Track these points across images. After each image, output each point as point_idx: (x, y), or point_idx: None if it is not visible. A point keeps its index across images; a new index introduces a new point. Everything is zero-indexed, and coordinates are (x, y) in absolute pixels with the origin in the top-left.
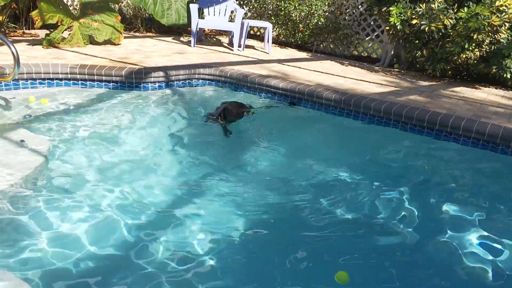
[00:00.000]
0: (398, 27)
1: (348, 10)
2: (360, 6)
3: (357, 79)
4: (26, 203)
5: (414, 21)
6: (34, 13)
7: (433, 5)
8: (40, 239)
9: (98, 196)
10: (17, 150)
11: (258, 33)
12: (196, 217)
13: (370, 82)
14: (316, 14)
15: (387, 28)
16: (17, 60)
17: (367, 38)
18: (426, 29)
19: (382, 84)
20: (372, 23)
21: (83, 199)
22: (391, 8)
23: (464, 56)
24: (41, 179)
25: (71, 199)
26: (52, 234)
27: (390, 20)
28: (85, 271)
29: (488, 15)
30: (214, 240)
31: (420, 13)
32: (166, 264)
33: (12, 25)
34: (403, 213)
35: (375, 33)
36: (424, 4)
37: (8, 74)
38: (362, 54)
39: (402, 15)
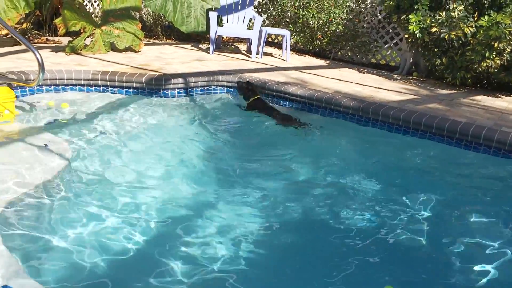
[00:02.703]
0: (417, 35)
1: (366, 18)
2: (378, 14)
3: (376, 87)
4: (49, 206)
5: (433, 29)
6: (57, 21)
7: (453, 13)
8: (62, 242)
9: (119, 200)
10: (40, 154)
11: (276, 41)
12: (214, 222)
13: (388, 90)
14: (334, 22)
15: (406, 36)
16: (41, 66)
17: (385, 46)
18: (446, 37)
19: (400, 92)
20: (390, 30)
21: (105, 202)
22: (410, 16)
23: (484, 64)
24: (64, 182)
25: (93, 203)
26: (74, 236)
27: (409, 28)
28: (105, 273)
29: (509, 24)
30: (232, 244)
31: (439, 21)
32: (184, 267)
33: (36, 32)
34: (422, 222)
35: (394, 41)
36: (443, 12)
37: (33, 80)
38: (381, 62)
39: (421, 23)
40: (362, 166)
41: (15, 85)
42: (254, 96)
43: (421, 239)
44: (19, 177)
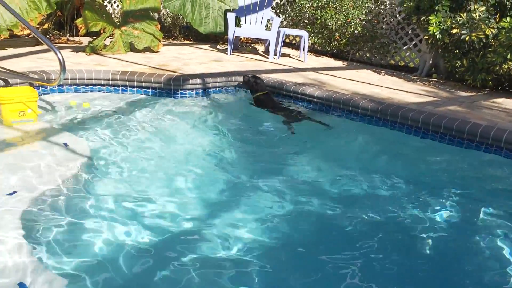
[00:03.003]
0: (438, 37)
1: (385, 19)
2: (398, 15)
3: (394, 89)
4: (69, 204)
5: (454, 31)
6: (78, 21)
7: (474, 15)
8: (81, 239)
9: (137, 198)
10: (61, 152)
11: (293, 42)
12: (228, 222)
13: (407, 91)
14: (352, 23)
15: (426, 37)
16: (63, 66)
17: (404, 47)
18: (467, 38)
19: (420, 94)
20: (410, 32)
21: (123, 201)
22: (430, 17)
23: (506, 66)
24: (83, 181)
25: (112, 202)
26: (92, 234)
27: (429, 29)
28: (124, 271)
29: None
30: (247, 243)
31: (460, 22)
32: (197, 266)
33: (57, 32)
34: (441, 226)
35: (413, 42)
36: (464, 14)
37: (54, 80)
38: (399, 63)
39: (441, 24)
40: (379, 168)
41: (37, 85)
42: (261, 91)
43: (439, 243)
44: (40, 175)
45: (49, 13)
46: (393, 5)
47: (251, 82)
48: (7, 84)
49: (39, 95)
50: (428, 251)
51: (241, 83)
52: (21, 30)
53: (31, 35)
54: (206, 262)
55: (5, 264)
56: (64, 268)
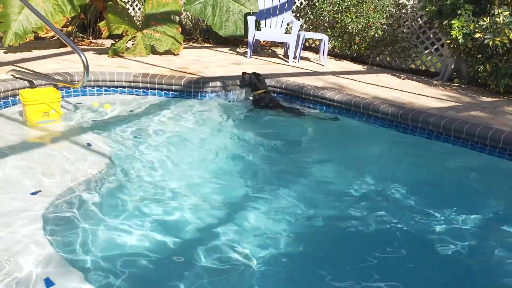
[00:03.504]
0: (460, 41)
1: (406, 23)
2: (419, 19)
3: (415, 93)
4: (91, 203)
5: (477, 35)
6: (101, 24)
7: (498, 19)
8: (101, 237)
9: (157, 198)
10: (84, 153)
11: (313, 45)
12: (245, 222)
13: (428, 96)
14: (373, 27)
15: (448, 41)
16: (86, 68)
17: (425, 52)
18: (490, 43)
19: (441, 99)
20: (431, 36)
21: (144, 201)
22: (452, 22)
23: None
24: (105, 181)
25: (132, 201)
26: (113, 233)
27: (451, 33)
28: (141, 269)
29: None
30: (263, 244)
31: (483, 27)
32: (214, 266)
33: (80, 34)
34: (461, 235)
35: (435, 47)
36: (488, 18)
37: (78, 81)
38: (420, 67)
39: (464, 28)
40: (398, 173)
41: (61, 86)
42: (262, 88)
43: (460, 252)
44: (63, 175)
45: (73, 16)
46: (414, 9)
47: (252, 79)
48: (31, 85)
49: (62, 97)
50: (447, 260)
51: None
52: (46, 33)
53: (55, 37)
54: (223, 267)
55: (30, 261)
56: (86, 264)
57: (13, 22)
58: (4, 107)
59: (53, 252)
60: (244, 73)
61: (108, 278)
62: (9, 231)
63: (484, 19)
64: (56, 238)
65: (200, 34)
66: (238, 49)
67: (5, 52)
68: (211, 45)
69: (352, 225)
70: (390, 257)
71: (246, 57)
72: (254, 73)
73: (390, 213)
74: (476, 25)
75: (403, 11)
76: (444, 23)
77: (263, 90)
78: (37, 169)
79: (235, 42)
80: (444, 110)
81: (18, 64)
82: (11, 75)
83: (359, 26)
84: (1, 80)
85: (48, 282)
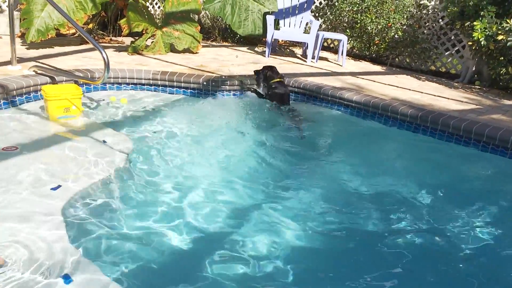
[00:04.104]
0: (482, 43)
1: (427, 24)
2: (440, 20)
3: (435, 95)
4: (110, 199)
5: (500, 37)
6: (122, 22)
7: None
8: (118, 234)
9: (174, 196)
10: (103, 148)
11: (331, 45)
12: (262, 223)
13: (448, 98)
14: (393, 27)
15: (470, 43)
16: (107, 65)
17: (446, 53)
18: None
19: (461, 101)
20: (452, 37)
21: (161, 198)
22: (475, 23)
23: None
24: (123, 176)
25: (149, 198)
26: (130, 229)
27: (473, 35)
28: (159, 265)
29: None
30: (277, 245)
31: (507, 28)
32: (230, 266)
33: (101, 32)
34: (480, 241)
35: (455, 48)
36: (511, 20)
37: (98, 78)
38: (440, 69)
39: (487, 30)
40: (416, 176)
41: (81, 82)
42: (277, 78)
43: (479, 258)
44: (83, 170)
45: (94, 14)
46: (436, 10)
47: (265, 71)
48: (53, 81)
49: (83, 93)
50: (465, 265)
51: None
52: (67, 30)
53: (76, 34)
54: (240, 266)
55: (49, 256)
56: (103, 260)
57: (36, 19)
58: (27, 102)
59: (72, 248)
60: (256, 71)
61: (125, 274)
62: (29, 226)
63: (508, 20)
64: (75, 233)
65: (219, 33)
66: (256, 48)
67: (27, 48)
68: (229, 44)
69: (370, 228)
70: (405, 260)
71: (264, 56)
72: (265, 66)
73: (405, 215)
74: (499, 27)
75: (424, 12)
76: (466, 24)
77: (279, 79)
78: (57, 164)
79: (253, 41)
80: (464, 113)
81: (40, 60)
82: (34, 71)
83: (378, 27)
84: (24, 76)
85: (66, 277)
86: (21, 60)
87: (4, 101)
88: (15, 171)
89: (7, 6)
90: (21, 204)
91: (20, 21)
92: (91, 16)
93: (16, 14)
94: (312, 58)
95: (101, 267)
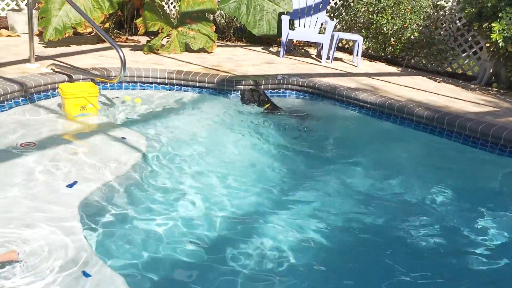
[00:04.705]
0: (500, 44)
1: (444, 25)
2: (458, 21)
3: (451, 97)
4: (126, 196)
5: None
6: (138, 21)
7: None
8: (134, 231)
9: (189, 194)
10: (119, 146)
11: (346, 46)
12: (273, 224)
13: (465, 100)
14: (409, 28)
15: (488, 45)
16: (124, 64)
17: (463, 55)
18: None
19: (479, 104)
20: (470, 39)
21: (175, 196)
22: (493, 24)
23: None
24: (138, 174)
25: (164, 196)
26: (145, 227)
27: (491, 36)
28: (174, 263)
29: None
30: (290, 247)
31: None
32: (245, 265)
33: (117, 31)
34: (496, 246)
35: (473, 50)
36: None
37: (115, 77)
38: (457, 71)
39: (505, 32)
40: (432, 179)
41: (98, 81)
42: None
43: (495, 264)
44: (99, 167)
45: (111, 13)
46: (453, 11)
47: (259, 95)
48: (70, 80)
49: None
50: (484, 270)
51: (296, 87)
52: (84, 28)
53: (93, 33)
54: (255, 264)
55: (66, 253)
56: (120, 257)
57: (54, 17)
58: (44, 99)
59: (88, 244)
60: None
61: (141, 271)
62: (46, 222)
63: None
64: (92, 231)
65: (234, 32)
66: (271, 48)
67: (45, 47)
68: (244, 44)
69: (382, 230)
70: (421, 262)
71: (279, 56)
72: (253, 90)
73: (422, 218)
74: None
75: (441, 13)
76: (484, 25)
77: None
78: (74, 161)
79: (268, 41)
80: (481, 115)
81: (57, 59)
82: (51, 69)
83: (394, 27)
84: (42, 74)
85: (85, 274)
86: (39, 58)
87: (22, 98)
88: (32, 167)
89: (25, 5)
90: (37, 200)
91: (38, 20)
92: (107, 15)
93: (34, 13)
94: (327, 59)
95: (115, 264)
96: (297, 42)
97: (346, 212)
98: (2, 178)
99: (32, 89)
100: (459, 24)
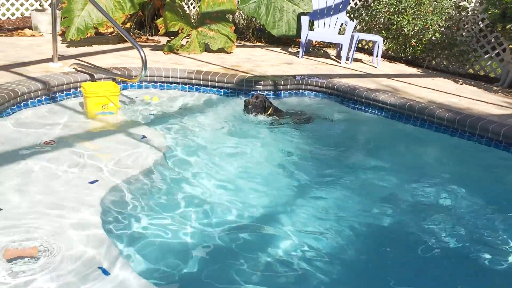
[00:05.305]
0: None
1: (466, 26)
2: (480, 22)
3: (473, 99)
4: (146, 194)
5: None
6: (159, 21)
7: None
8: (152, 229)
9: (209, 193)
10: (139, 144)
11: (366, 47)
12: (292, 226)
13: (487, 102)
14: (431, 29)
15: (511, 46)
16: (145, 64)
17: (485, 56)
18: None
19: (501, 106)
20: (492, 40)
21: (195, 195)
22: None
23: None
24: (158, 172)
25: (183, 194)
26: (163, 226)
27: None
28: (190, 261)
29: None
30: (310, 249)
31: None
32: (259, 265)
33: (138, 31)
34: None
35: (495, 51)
36: None
37: (135, 76)
38: (479, 72)
39: None
40: (453, 181)
41: (119, 80)
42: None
43: None
44: (119, 165)
45: (132, 13)
46: (476, 12)
47: (263, 102)
48: (92, 79)
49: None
50: (505, 275)
51: (315, 88)
52: (106, 29)
53: (114, 33)
54: (271, 264)
55: (87, 249)
56: (139, 255)
57: (76, 17)
58: (67, 98)
59: (110, 242)
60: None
61: (159, 270)
62: (68, 219)
63: None
64: (112, 228)
65: (253, 33)
66: (290, 49)
67: (67, 46)
68: (263, 44)
69: (401, 230)
70: (435, 264)
71: (298, 57)
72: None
73: (443, 221)
74: None
75: (463, 13)
76: (507, 27)
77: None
78: (95, 158)
79: (287, 41)
80: (504, 118)
81: (79, 58)
82: (74, 68)
83: (415, 28)
84: (65, 73)
85: (104, 271)
86: (61, 57)
87: (45, 96)
88: (55, 164)
89: (49, 5)
90: (58, 197)
91: (61, 20)
92: (129, 16)
93: (57, 13)
94: (346, 60)
95: (134, 261)
96: (316, 43)
97: (365, 214)
98: (25, 175)
99: (55, 88)
100: (482, 25)
